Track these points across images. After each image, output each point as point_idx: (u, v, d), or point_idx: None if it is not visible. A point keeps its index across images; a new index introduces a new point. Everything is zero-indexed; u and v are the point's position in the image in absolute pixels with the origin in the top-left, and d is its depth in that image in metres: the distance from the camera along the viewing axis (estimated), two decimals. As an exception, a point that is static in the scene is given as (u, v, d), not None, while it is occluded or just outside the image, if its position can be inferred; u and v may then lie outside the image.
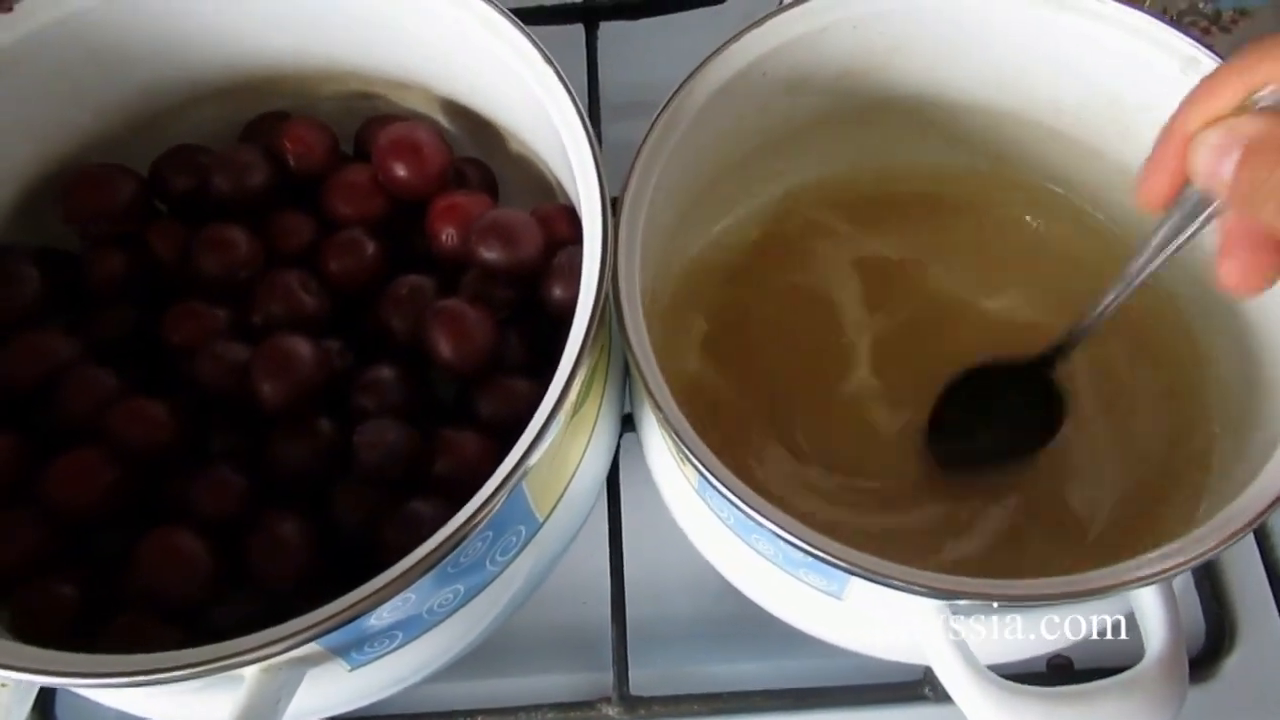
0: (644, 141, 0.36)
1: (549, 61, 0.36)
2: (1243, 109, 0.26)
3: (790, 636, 0.39)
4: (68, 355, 0.40)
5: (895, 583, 0.29)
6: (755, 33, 0.37)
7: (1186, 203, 0.30)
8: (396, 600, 0.30)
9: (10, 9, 0.38)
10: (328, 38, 0.43)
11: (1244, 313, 0.38)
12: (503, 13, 0.37)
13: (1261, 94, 0.26)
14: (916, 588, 0.29)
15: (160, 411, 0.38)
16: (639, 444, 0.41)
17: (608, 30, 0.55)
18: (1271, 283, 0.29)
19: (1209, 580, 0.44)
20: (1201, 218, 0.30)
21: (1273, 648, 0.42)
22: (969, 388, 0.40)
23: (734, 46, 0.37)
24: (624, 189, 0.35)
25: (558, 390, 0.32)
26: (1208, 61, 0.35)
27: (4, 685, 0.32)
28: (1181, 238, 0.31)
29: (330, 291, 0.42)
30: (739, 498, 0.30)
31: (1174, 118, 0.28)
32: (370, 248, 0.42)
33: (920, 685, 0.41)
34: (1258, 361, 0.38)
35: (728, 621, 0.44)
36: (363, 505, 0.38)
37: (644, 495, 0.43)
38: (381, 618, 0.32)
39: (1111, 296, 0.34)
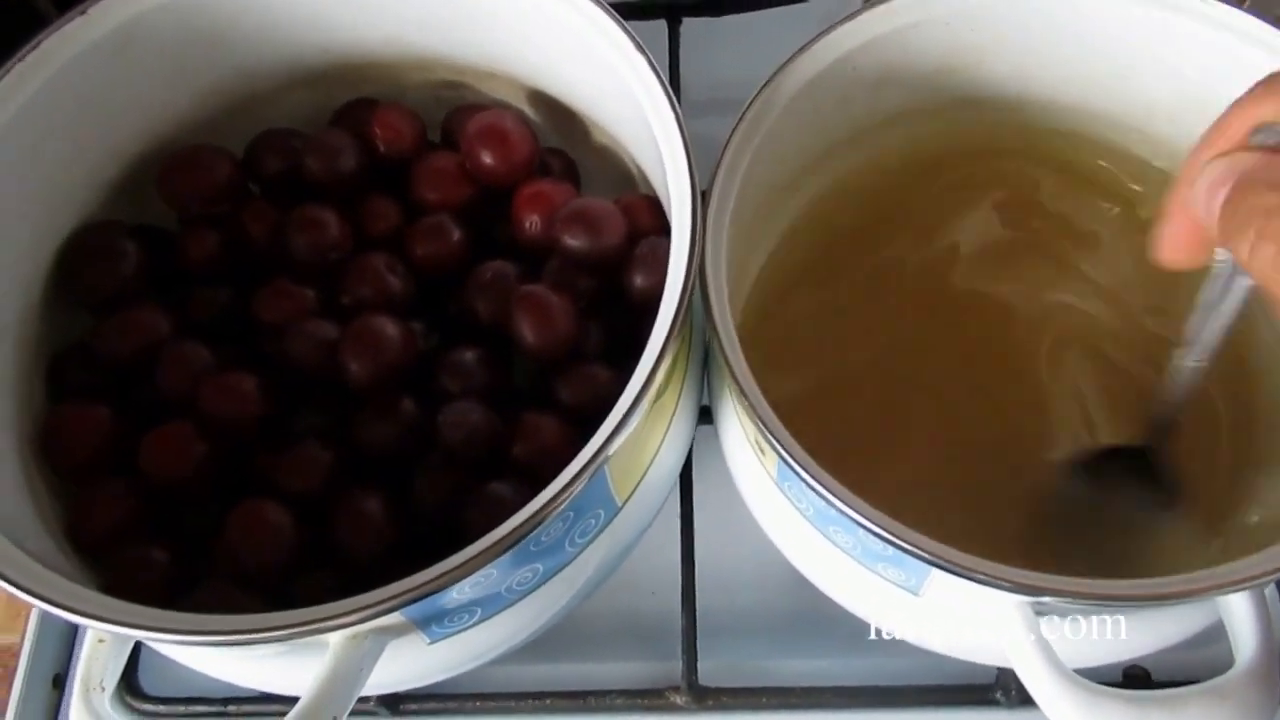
0: (732, 133, 0.36)
1: (641, 50, 0.36)
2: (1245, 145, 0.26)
3: (860, 633, 0.39)
4: (164, 330, 0.41)
5: (980, 576, 0.29)
6: (846, 27, 0.38)
7: (1218, 279, 0.29)
8: (479, 575, 0.31)
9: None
10: (419, 27, 0.44)
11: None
12: (597, 1, 0.38)
13: (1259, 133, 0.26)
14: (1002, 583, 0.29)
15: (251, 387, 0.40)
16: (713, 437, 0.41)
17: (690, 26, 0.56)
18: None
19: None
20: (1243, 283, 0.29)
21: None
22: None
23: (824, 40, 0.37)
24: (711, 181, 0.35)
25: (642, 377, 0.32)
26: (1316, 62, 0.35)
27: (102, 640, 0.33)
28: (1228, 306, 0.30)
29: (415, 275, 0.43)
30: (821, 484, 0.30)
31: (1188, 161, 0.28)
32: (455, 233, 0.43)
33: (993, 689, 0.41)
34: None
35: (797, 616, 0.44)
36: (444, 485, 0.39)
37: (716, 489, 0.43)
38: (464, 591, 0.32)
39: (1176, 391, 0.34)
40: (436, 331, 0.42)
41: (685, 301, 0.32)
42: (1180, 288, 0.34)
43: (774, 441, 0.31)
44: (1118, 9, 0.38)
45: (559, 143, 0.47)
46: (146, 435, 0.39)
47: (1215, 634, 0.35)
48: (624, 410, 0.31)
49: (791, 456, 0.31)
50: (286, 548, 0.38)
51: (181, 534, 0.39)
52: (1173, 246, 0.30)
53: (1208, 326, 0.31)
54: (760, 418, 0.32)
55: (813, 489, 0.31)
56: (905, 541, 0.30)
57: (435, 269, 0.43)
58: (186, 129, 0.44)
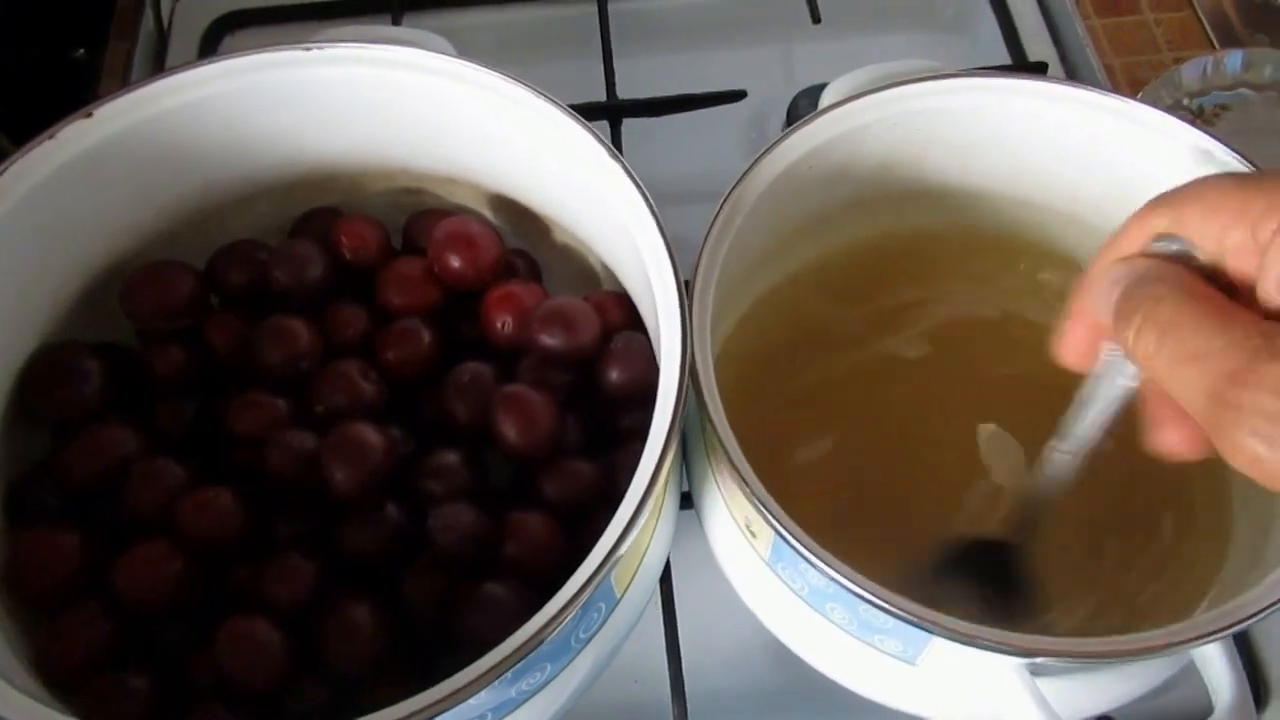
0: (709, 230, 0.38)
1: (616, 157, 0.38)
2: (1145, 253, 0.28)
3: (850, 705, 0.40)
4: (133, 448, 0.40)
5: (982, 642, 0.31)
6: (805, 130, 0.40)
7: (1108, 368, 0.31)
8: (499, 681, 0.31)
9: (90, 115, 0.39)
10: (383, 138, 0.45)
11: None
12: (566, 111, 0.40)
13: (1157, 242, 0.28)
14: (1003, 647, 0.31)
15: (228, 501, 0.39)
16: (686, 521, 0.42)
17: (630, 126, 0.58)
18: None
19: (1240, 641, 0.46)
20: (1122, 384, 0.31)
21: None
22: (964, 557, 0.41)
23: (786, 143, 0.40)
24: (694, 274, 0.37)
25: (648, 473, 0.33)
26: (1221, 154, 0.38)
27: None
28: (1106, 404, 0.32)
29: (387, 380, 0.43)
30: (825, 563, 0.32)
31: (1090, 266, 0.30)
32: (426, 336, 0.44)
33: (979, 751, 0.42)
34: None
35: (786, 693, 0.44)
36: (435, 589, 0.39)
37: (693, 572, 0.44)
38: (481, 699, 0.32)
39: (1052, 471, 0.36)
40: (413, 436, 0.42)
41: (683, 394, 0.33)
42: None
43: (774, 523, 0.33)
44: (1038, 107, 0.42)
45: (520, 243, 0.48)
46: (121, 557, 0.38)
47: (1170, 684, 0.38)
48: (633, 507, 0.32)
49: (793, 536, 0.32)
50: (278, 666, 0.37)
51: (163, 657, 0.38)
52: (1071, 347, 0.32)
53: (1084, 418, 0.33)
54: (759, 500, 0.33)
55: (817, 567, 0.32)
56: (909, 614, 0.31)
57: (407, 373, 0.43)
58: (148, 243, 0.44)
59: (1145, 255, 0.29)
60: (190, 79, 0.41)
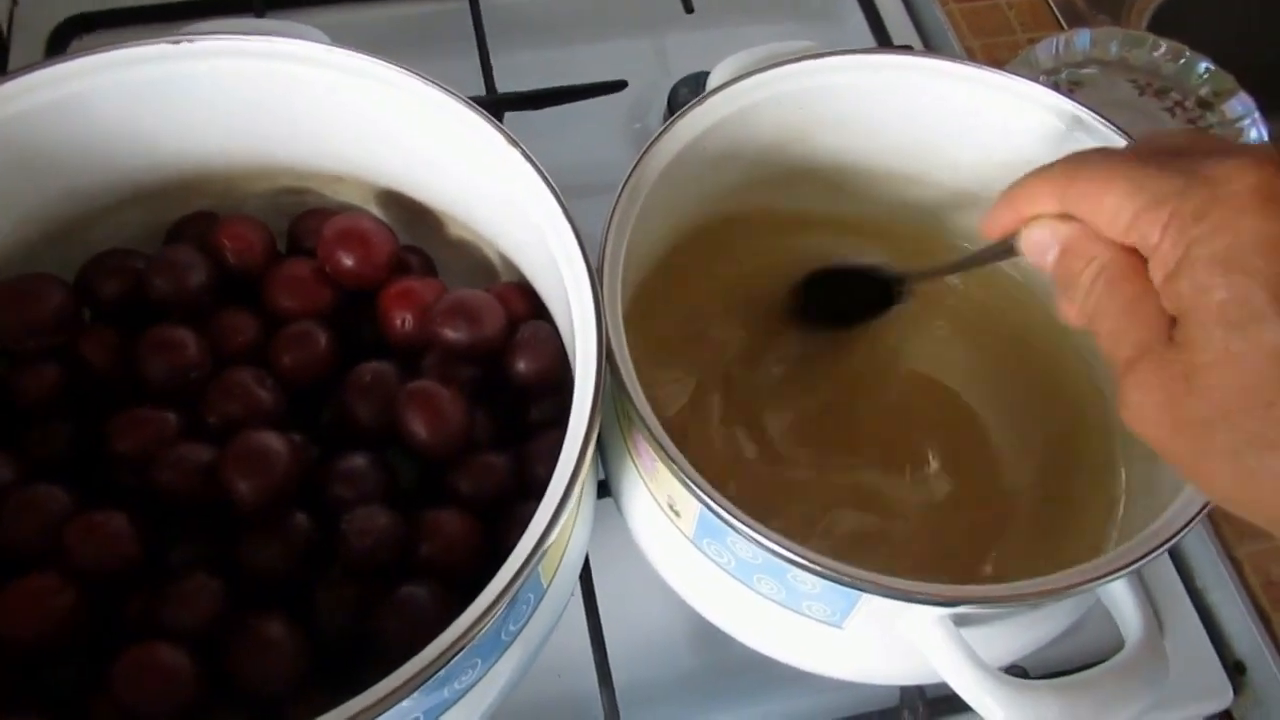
0: (613, 212, 0.38)
1: (514, 143, 0.38)
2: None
3: (773, 677, 0.41)
4: (8, 477, 0.38)
5: (909, 595, 0.32)
6: (695, 112, 0.40)
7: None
8: (432, 681, 0.30)
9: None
10: (260, 135, 0.43)
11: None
12: (459, 98, 0.39)
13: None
14: (929, 598, 0.32)
15: (121, 523, 0.37)
16: (604, 510, 0.42)
17: (511, 119, 0.57)
18: None
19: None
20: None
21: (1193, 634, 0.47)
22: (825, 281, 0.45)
23: (682, 123, 0.40)
24: (601, 258, 0.37)
25: (572, 461, 0.32)
26: (1089, 119, 0.41)
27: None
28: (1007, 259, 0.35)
29: (284, 386, 0.41)
30: (757, 534, 0.32)
31: (1010, 193, 0.33)
32: (323, 339, 0.42)
33: (900, 710, 0.43)
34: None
35: (716, 673, 0.45)
36: (351, 597, 0.37)
37: (610, 561, 0.44)
38: (414, 700, 0.31)
39: (945, 266, 0.41)
40: (314, 443, 0.41)
41: (602, 378, 0.33)
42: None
43: (702, 496, 0.33)
44: (914, 83, 0.43)
45: (412, 239, 0.47)
46: (1, 593, 0.35)
47: (1078, 625, 0.40)
48: (559, 494, 0.31)
49: (721, 509, 0.32)
50: (186, 693, 0.35)
51: (58, 696, 0.35)
52: (993, 232, 0.34)
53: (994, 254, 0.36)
54: (686, 476, 0.33)
55: (746, 537, 0.32)
56: (839, 573, 0.32)
57: (304, 378, 0.42)
58: (8, 257, 0.41)
59: (1065, 218, 0.31)
60: (41, 79, 0.38)
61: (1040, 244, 0.32)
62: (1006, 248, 0.34)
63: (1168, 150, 0.29)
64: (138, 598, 0.37)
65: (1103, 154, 0.31)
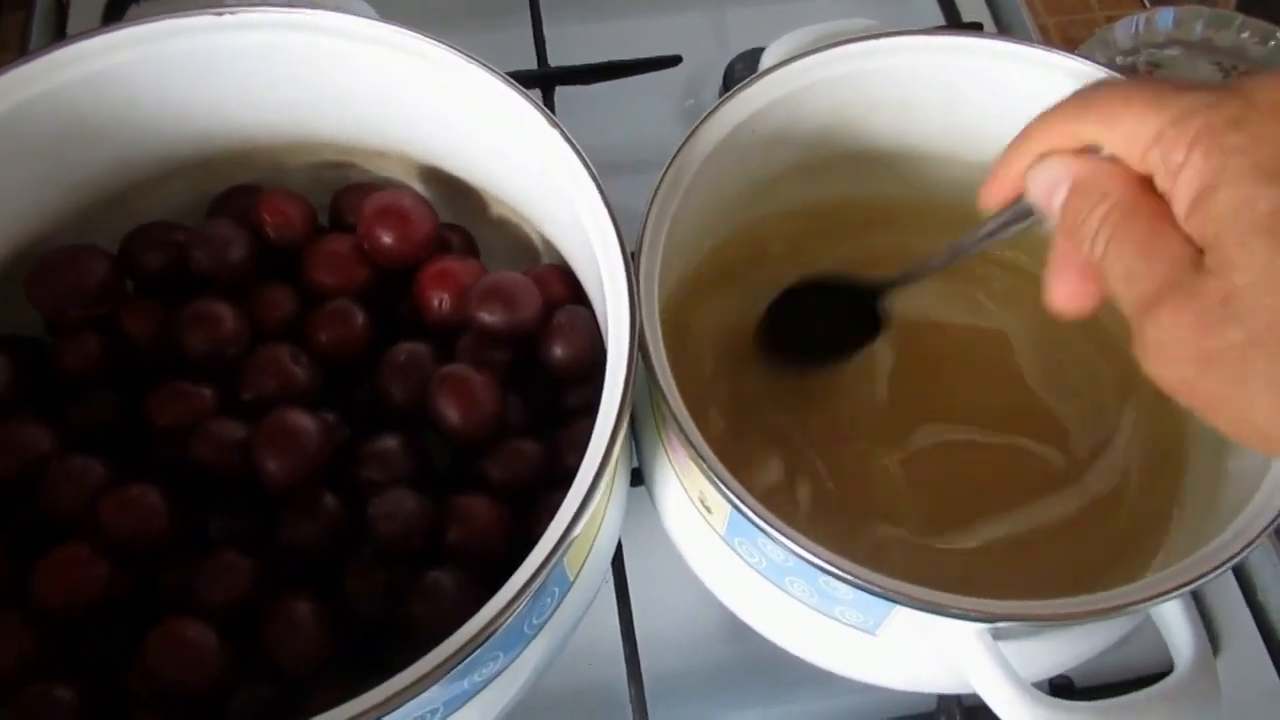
0: (653, 199, 0.36)
1: (555, 124, 0.37)
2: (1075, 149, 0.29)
3: (806, 677, 0.40)
4: (46, 446, 0.38)
5: (947, 610, 0.30)
6: (745, 93, 0.39)
7: (1017, 207, 0.33)
8: (452, 674, 0.30)
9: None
10: (305, 109, 0.43)
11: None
12: (501, 77, 0.38)
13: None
14: (968, 614, 0.30)
15: (155, 498, 0.37)
16: (640, 498, 0.41)
17: (563, 94, 0.56)
18: (1091, 309, 0.31)
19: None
20: (1025, 223, 0.33)
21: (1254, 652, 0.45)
22: (799, 300, 0.42)
23: (728, 106, 0.38)
24: (639, 244, 0.36)
25: (600, 453, 0.31)
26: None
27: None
28: (1006, 232, 0.34)
29: (319, 363, 0.41)
30: (786, 538, 0.31)
31: (1018, 139, 0.31)
32: (360, 317, 0.42)
33: (936, 716, 0.42)
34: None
35: (741, 668, 0.44)
36: (379, 580, 0.37)
37: (644, 551, 0.43)
38: (432, 694, 0.31)
39: (938, 262, 0.38)
40: (348, 422, 0.41)
41: (633, 367, 0.32)
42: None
43: (730, 497, 0.32)
44: (976, 64, 0.41)
45: (454, 218, 0.46)
46: (39, 563, 0.36)
47: (1127, 639, 0.38)
48: (586, 486, 0.31)
49: (750, 510, 0.31)
50: (214, 668, 0.35)
51: (92, 665, 0.36)
52: (993, 200, 0.33)
53: (975, 237, 0.35)
54: (715, 475, 0.32)
55: (776, 540, 0.31)
56: (873, 584, 0.30)
57: (340, 356, 0.41)
58: (55, 226, 0.41)
59: (1078, 153, 0.29)
60: (93, 47, 0.38)
61: (1049, 183, 0.30)
62: (1003, 222, 0.33)
63: (1183, 83, 0.27)
64: (174, 571, 0.37)
65: (1120, 81, 0.29)
